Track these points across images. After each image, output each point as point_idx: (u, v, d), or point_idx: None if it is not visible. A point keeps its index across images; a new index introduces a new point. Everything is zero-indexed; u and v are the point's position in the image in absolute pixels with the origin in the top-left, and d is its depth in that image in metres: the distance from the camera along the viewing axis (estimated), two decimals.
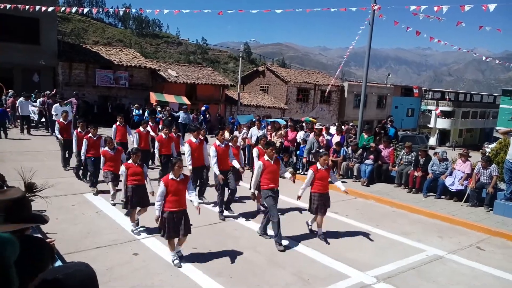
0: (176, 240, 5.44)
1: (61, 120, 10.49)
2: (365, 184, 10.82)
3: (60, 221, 6.70)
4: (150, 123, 11.29)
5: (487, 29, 14.43)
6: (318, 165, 6.73)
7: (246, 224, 7.26)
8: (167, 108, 19.82)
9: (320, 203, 6.63)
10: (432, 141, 48.20)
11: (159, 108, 21.35)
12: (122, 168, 6.53)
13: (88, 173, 8.91)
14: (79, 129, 9.31)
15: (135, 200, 6.39)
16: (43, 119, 16.94)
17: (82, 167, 9.29)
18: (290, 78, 34.25)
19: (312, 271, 5.54)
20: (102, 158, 7.81)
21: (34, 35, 21.00)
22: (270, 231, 6.54)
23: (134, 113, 20.90)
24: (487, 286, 5.43)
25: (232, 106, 29.98)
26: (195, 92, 27.54)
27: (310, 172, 6.74)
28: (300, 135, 12.93)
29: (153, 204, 5.72)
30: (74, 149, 9.25)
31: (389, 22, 13.82)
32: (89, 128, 9.08)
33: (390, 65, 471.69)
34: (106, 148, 7.85)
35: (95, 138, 8.72)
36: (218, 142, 7.65)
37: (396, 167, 11.07)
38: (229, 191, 7.72)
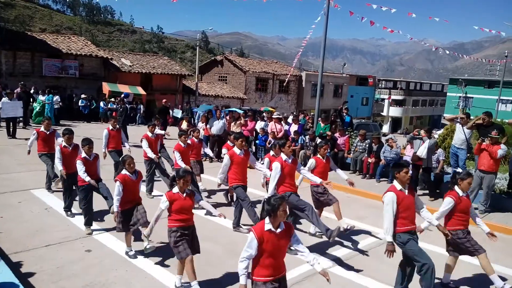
0: None
1: (42, 129, 7.72)
2: None
3: (6, 219, 6.31)
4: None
5: (436, 19, 15.14)
6: (459, 191, 4.80)
7: (208, 217, 7.15)
8: (122, 97, 19.11)
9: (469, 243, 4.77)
10: (385, 128, 50.22)
11: (112, 99, 20.63)
12: (164, 200, 4.45)
13: (83, 207, 6.15)
14: (63, 143, 6.76)
15: (184, 251, 4.41)
16: None
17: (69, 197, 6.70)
18: (248, 67, 34.20)
19: None
20: (118, 187, 5.11)
21: None
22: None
23: (80, 104, 20.08)
24: (436, 264, 5.72)
25: (190, 96, 29.52)
26: (151, 82, 26.85)
27: (448, 201, 4.76)
28: (260, 124, 13.07)
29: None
30: (59, 167, 6.58)
31: (344, 12, 14.10)
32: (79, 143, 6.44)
33: (346, 55, 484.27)
34: (126, 172, 5.25)
35: (91, 159, 6.16)
36: (285, 157, 5.71)
37: (351, 154, 11.40)
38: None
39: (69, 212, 6.72)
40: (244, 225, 6.65)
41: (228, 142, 8.04)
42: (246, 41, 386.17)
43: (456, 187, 4.83)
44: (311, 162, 6.20)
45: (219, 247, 5.88)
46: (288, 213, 3.42)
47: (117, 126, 8.87)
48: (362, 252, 6.04)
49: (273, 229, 3.31)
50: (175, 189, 4.49)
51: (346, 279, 5.11)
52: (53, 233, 5.93)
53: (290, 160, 5.73)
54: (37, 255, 5.20)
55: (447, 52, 18.74)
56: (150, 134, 8.32)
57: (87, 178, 5.94)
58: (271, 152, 6.73)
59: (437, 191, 9.26)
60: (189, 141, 7.91)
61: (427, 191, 9.34)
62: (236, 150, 6.37)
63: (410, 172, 9.88)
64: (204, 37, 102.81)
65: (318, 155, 6.24)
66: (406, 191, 4.46)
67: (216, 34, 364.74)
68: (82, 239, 5.85)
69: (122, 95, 20.25)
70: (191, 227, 4.57)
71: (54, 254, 5.29)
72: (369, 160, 10.65)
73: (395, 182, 4.52)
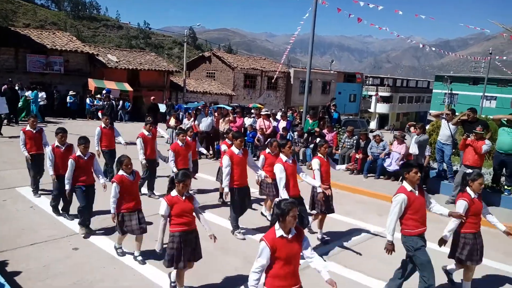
0: None
1: (28, 128, 7.35)
2: (310, 167, 11.11)
3: None
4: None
5: (422, 17, 15.32)
6: (471, 192, 4.62)
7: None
8: (104, 93, 18.86)
9: (473, 246, 4.58)
10: (373, 125, 50.70)
11: (98, 96, 20.42)
12: (163, 205, 4.20)
13: (79, 207, 5.89)
14: (56, 143, 6.40)
15: (184, 258, 4.23)
16: None
17: (63, 199, 6.47)
18: (236, 64, 34.10)
19: None
20: (115, 188, 4.98)
21: None
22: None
23: (68, 100, 19.87)
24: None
25: (178, 93, 29.34)
26: (138, 79, 26.57)
27: (463, 204, 4.55)
28: (249, 121, 13.13)
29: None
30: (50, 172, 6.33)
31: (332, 9, 14.16)
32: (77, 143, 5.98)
33: (333, 52, 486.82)
34: (123, 173, 5.08)
35: (86, 158, 5.89)
36: (285, 158, 5.63)
37: (339, 150, 11.49)
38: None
39: (66, 216, 6.46)
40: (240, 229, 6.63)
41: (227, 140, 7.89)
42: (234, 37, 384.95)
43: (467, 189, 4.64)
44: (317, 162, 5.95)
45: (209, 243, 5.86)
46: (297, 219, 3.23)
47: (109, 124, 8.54)
48: (350, 246, 6.10)
49: (284, 234, 3.13)
50: (174, 192, 4.26)
51: (334, 274, 5.15)
52: (39, 232, 5.85)
53: (290, 161, 5.62)
54: (23, 254, 5.13)
55: (433, 49, 18.99)
56: (146, 133, 7.88)
57: (67, 186, 5.79)
58: (267, 150, 6.62)
59: (424, 187, 9.40)
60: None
61: None
62: (235, 150, 6.11)
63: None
64: (191, 33, 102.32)
65: (319, 154, 6.06)
66: (417, 192, 4.27)
67: (203, 30, 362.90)
68: (69, 237, 5.78)
69: (104, 91, 20.07)
70: (194, 231, 4.32)
71: (40, 252, 5.22)
72: (357, 156, 10.75)
73: (405, 183, 4.29)
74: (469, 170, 4.89)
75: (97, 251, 5.41)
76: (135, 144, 7.96)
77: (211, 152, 12.13)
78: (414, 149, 8.90)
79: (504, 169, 8.22)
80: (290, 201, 3.23)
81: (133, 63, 26.88)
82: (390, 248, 4.32)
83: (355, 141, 11.15)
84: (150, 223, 5.81)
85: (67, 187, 5.81)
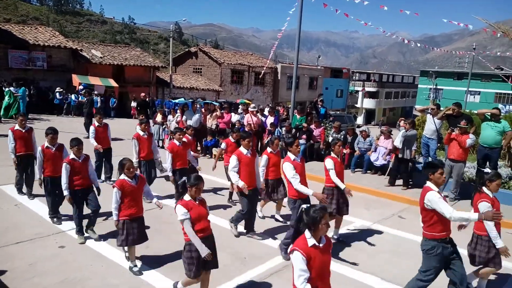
0: None
1: (16, 127, 6.95)
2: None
3: None
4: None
5: (407, 12, 15.49)
6: (488, 192, 4.47)
7: None
8: (81, 89, 18.53)
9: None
10: (360, 120, 51.12)
11: (82, 92, 20.09)
12: (182, 212, 3.90)
13: (74, 215, 5.63)
14: (46, 144, 6.06)
15: (202, 263, 4.01)
16: None
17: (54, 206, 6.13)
18: (223, 59, 33.93)
19: (250, 250, 5.63)
20: (116, 194, 4.67)
21: None
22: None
23: (58, 97, 19.55)
24: (409, 250, 5.91)
25: (164, 89, 29.07)
26: (123, 74, 26.23)
27: (487, 206, 4.31)
28: (237, 117, 13.10)
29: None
30: (38, 175, 6.05)
31: (318, 4, 14.16)
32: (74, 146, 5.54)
33: (320, 47, 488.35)
34: (125, 177, 4.77)
35: (81, 160, 5.59)
36: (293, 156, 5.36)
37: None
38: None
39: (55, 219, 6.11)
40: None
41: (230, 138, 7.66)
42: (221, 32, 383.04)
43: (484, 189, 4.46)
44: (330, 162, 5.62)
45: None
46: (329, 226, 3.06)
47: (103, 121, 8.27)
48: (338, 240, 6.15)
49: (317, 243, 2.95)
50: (187, 197, 4.01)
51: None
52: (25, 230, 5.76)
53: (298, 159, 5.38)
54: (9, 253, 5.05)
55: (418, 44, 19.25)
56: (141, 133, 7.46)
57: (66, 192, 5.41)
58: (269, 149, 6.25)
59: (410, 180, 9.52)
60: (184, 139, 7.13)
61: (400, 180, 9.60)
62: (243, 150, 5.86)
63: (381, 162, 10.04)
64: (177, 28, 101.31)
65: (333, 154, 5.71)
66: (441, 195, 3.99)
67: (189, 25, 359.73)
68: (55, 235, 5.70)
69: (81, 87, 19.75)
70: (210, 237, 4.11)
71: (26, 251, 5.14)
72: (344, 151, 10.83)
73: (429, 184, 4.06)
74: (485, 171, 4.73)
75: (84, 248, 5.35)
76: (121, 139, 7.87)
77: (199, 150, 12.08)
78: (397, 143, 8.98)
79: (487, 162, 8.38)
80: (320, 207, 3.01)
81: (118, 58, 26.52)
82: (490, 213, 3.72)
83: (342, 136, 11.23)
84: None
85: (65, 192, 5.42)
